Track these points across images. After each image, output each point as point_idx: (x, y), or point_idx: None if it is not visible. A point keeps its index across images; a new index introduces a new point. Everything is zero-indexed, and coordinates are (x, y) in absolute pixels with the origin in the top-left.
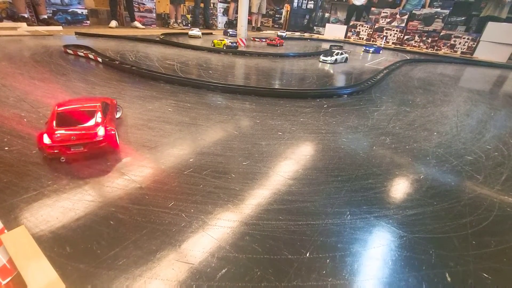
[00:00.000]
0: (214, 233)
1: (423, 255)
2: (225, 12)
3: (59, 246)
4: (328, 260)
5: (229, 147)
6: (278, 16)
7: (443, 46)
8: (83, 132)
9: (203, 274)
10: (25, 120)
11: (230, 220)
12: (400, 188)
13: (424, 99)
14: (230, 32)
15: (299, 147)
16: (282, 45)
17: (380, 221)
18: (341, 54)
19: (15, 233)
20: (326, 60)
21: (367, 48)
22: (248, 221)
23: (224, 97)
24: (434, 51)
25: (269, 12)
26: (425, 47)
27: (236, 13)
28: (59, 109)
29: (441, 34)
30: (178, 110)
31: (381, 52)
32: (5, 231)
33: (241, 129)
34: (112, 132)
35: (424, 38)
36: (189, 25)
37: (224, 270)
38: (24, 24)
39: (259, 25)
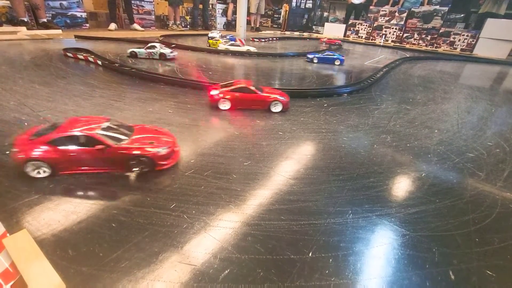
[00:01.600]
0: (216, 234)
1: (426, 253)
2: (224, 13)
3: (61, 249)
4: (331, 260)
5: (230, 148)
6: (277, 16)
7: (442, 43)
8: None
9: (205, 275)
10: (26, 124)
11: (232, 221)
12: (401, 186)
13: (425, 96)
14: (229, 37)
15: (300, 147)
16: (341, 44)
17: (382, 220)
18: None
19: (17, 237)
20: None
21: (310, 56)
22: (250, 221)
23: None
24: (434, 49)
25: (268, 12)
26: (424, 44)
27: (235, 14)
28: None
29: (440, 31)
30: (179, 111)
31: (337, 63)
32: (7, 235)
33: (241, 130)
34: (216, 97)
35: (423, 36)
36: (188, 26)
37: (226, 271)
38: (23, 28)
39: (258, 26)
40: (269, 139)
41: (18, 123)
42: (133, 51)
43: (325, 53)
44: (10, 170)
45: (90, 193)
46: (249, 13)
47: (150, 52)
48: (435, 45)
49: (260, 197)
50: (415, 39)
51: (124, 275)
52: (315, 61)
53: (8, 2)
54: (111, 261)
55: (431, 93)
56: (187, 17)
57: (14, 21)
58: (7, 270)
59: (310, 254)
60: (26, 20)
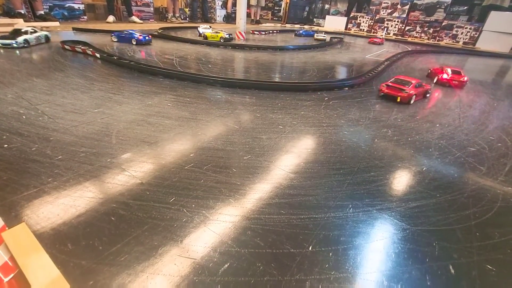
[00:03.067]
0: (216, 228)
1: (426, 248)
2: (224, 5)
3: (60, 243)
4: (331, 254)
5: (229, 142)
6: (277, 8)
7: (445, 36)
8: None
9: (205, 269)
10: (23, 117)
11: (231, 214)
12: (402, 181)
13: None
14: (304, 33)
15: (300, 141)
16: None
17: (382, 214)
18: (34, 32)
19: (16, 230)
20: (7, 44)
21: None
22: (250, 215)
23: (224, 91)
24: (436, 42)
25: (268, 4)
26: (426, 37)
27: (235, 6)
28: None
29: (443, 24)
30: (178, 105)
31: (134, 42)
32: (6, 228)
33: (241, 123)
34: (449, 79)
35: (425, 29)
36: (188, 19)
37: (226, 265)
38: (20, 21)
39: (258, 18)
40: (269, 132)
41: (16, 116)
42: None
43: (125, 32)
44: (8, 164)
45: None
46: (249, 6)
47: (38, 37)
48: (438, 38)
49: (260, 191)
50: (417, 32)
51: (124, 269)
52: (115, 39)
53: None
54: (110, 255)
55: (433, 87)
56: (186, 10)
57: (11, 14)
58: (6, 263)
59: (310, 248)
60: (23, 12)
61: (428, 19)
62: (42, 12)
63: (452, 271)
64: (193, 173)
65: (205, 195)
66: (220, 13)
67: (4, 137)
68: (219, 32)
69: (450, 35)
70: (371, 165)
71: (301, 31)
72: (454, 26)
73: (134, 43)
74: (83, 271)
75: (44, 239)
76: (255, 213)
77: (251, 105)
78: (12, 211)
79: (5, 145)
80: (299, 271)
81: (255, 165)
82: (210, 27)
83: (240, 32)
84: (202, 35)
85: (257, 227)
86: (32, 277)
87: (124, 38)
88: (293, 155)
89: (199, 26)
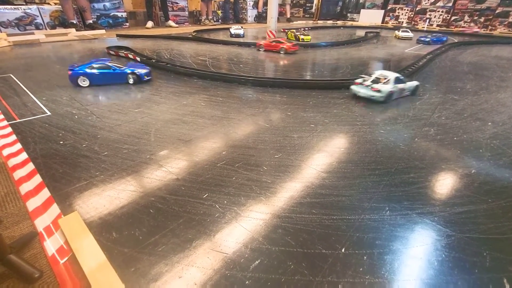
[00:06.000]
0: (247, 225)
1: (475, 257)
2: (255, 5)
3: (106, 231)
4: (365, 257)
5: (260, 140)
6: (309, 5)
7: (499, 25)
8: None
9: (237, 264)
10: (76, 117)
11: (262, 212)
12: (447, 183)
13: (476, 85)
14: (402, 34)
15: (333, 140)
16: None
17: (423, 218)
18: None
19: (70, 218)
20: None
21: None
22: (281, 214)
23: (255, 90)
24: (488, 31)
25: (300, 1)
26: (476, 27)
27: (266, 5)
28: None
29: (497, 11)
30: (211, 104)
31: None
32: (62, 216)
33: (272, 122)
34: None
35: (475, 18)
36: (220, 20)
37: (257, 262)
38: (73, 30)
39: (289, 16)
40: (300, 131)
41: (69, 116)
42: None
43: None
44: (63, 158)
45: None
46: (280, 4)
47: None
48: (490, 27)
49: (291, 189)
50: (465, 22)
51: (161, 259)
52: (85, 83)
53: (60, 6)
54: (149, 245)
55: (484, 82)
56: (219, 12)
57: (65, 24)
58: (61, 247)
59: (343, 250)
60: (75, 22)
61: (478, 6)
62: (91, 21)
63: (507, 285)
64: (225, 170)
65: (236, 192)
66: (251, 13)
67: (60, 134)
68: (307, 35)
69: (506, 23)
70: (410, 166)
71: (428, 38)
72: (511, 13)
73: (131, 81)
74: (126, 258)
75: (93, 227)
76: (286, 211)
77: (282, 103)
78: (67, 201)
79: (61, 142)
80: (331, 273)
81: (286, 163)
82: (242, 27)
83: (271, 31)
84: (301, 39)
85: (288, 225)
86: (83, 261)
87: (106, 77)
88: (325, 154)
89: (230, 27)
